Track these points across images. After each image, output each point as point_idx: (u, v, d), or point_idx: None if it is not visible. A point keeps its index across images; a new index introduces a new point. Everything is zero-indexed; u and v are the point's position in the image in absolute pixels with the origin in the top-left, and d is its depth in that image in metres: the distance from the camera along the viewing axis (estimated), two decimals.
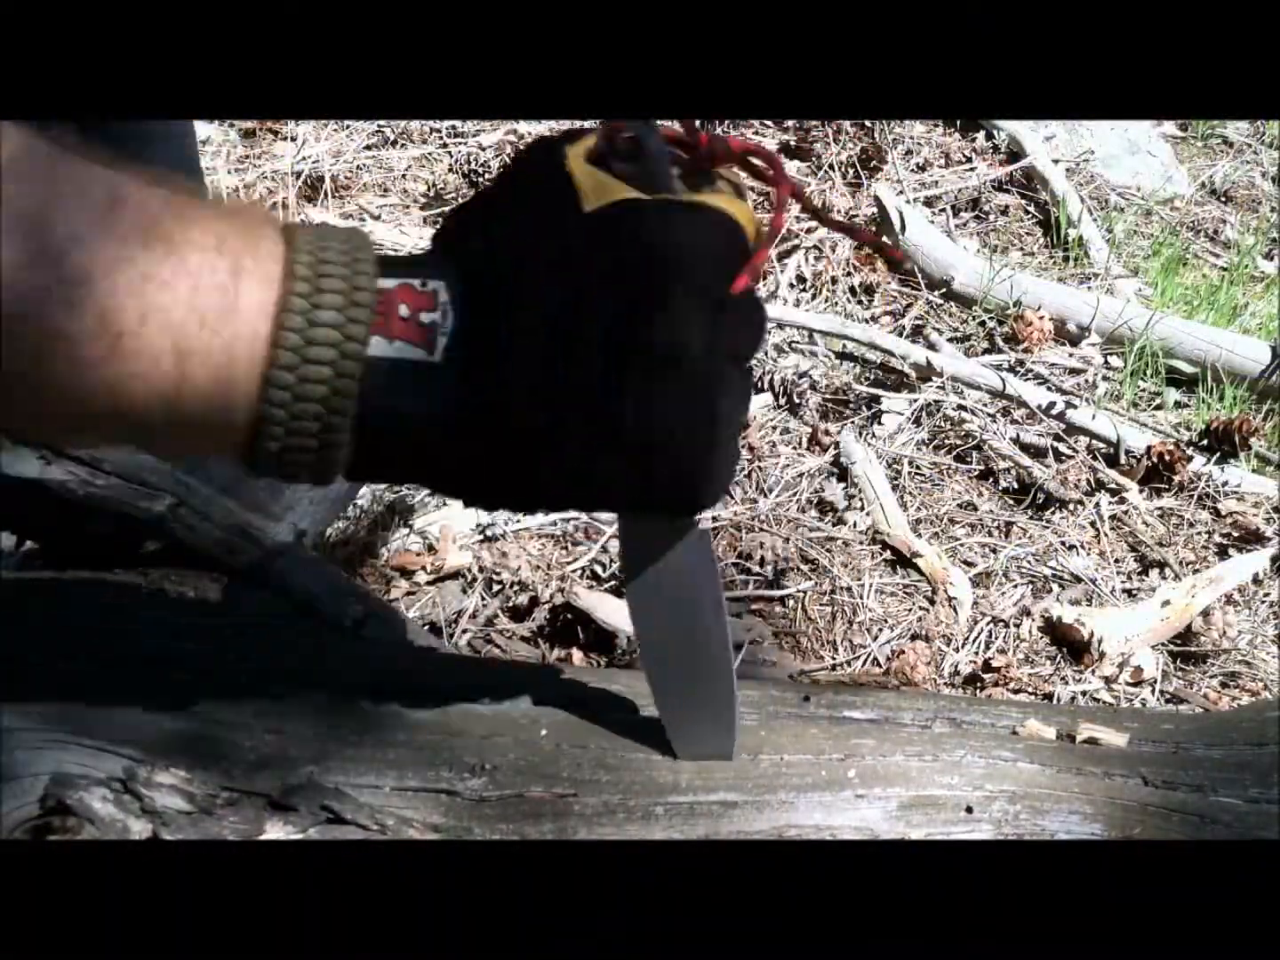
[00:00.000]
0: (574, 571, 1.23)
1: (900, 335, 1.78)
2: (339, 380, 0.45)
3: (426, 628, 1.07)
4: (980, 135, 2.36)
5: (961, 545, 1.38)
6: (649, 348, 0.47)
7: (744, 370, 0.52)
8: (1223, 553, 1.44)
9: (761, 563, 1.28)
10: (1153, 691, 1.21)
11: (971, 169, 2.27)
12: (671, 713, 0.60)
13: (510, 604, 1.19)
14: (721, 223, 0.49)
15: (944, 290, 1.89)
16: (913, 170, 2.23)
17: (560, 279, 0.47)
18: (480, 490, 0.52)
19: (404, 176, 2.02)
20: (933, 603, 1.28)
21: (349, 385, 0.45)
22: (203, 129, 2.00)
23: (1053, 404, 1.62)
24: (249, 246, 0.45)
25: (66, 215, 0.42)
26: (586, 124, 0.53)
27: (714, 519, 1.33)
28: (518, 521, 1.29)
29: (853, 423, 1.57)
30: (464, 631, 1.14)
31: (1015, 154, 2.30)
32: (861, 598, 1.26)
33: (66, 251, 0.42)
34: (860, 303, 1.88)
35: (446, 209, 1.92)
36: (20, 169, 0.41)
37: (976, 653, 1.23)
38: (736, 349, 0.51)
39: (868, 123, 2.26)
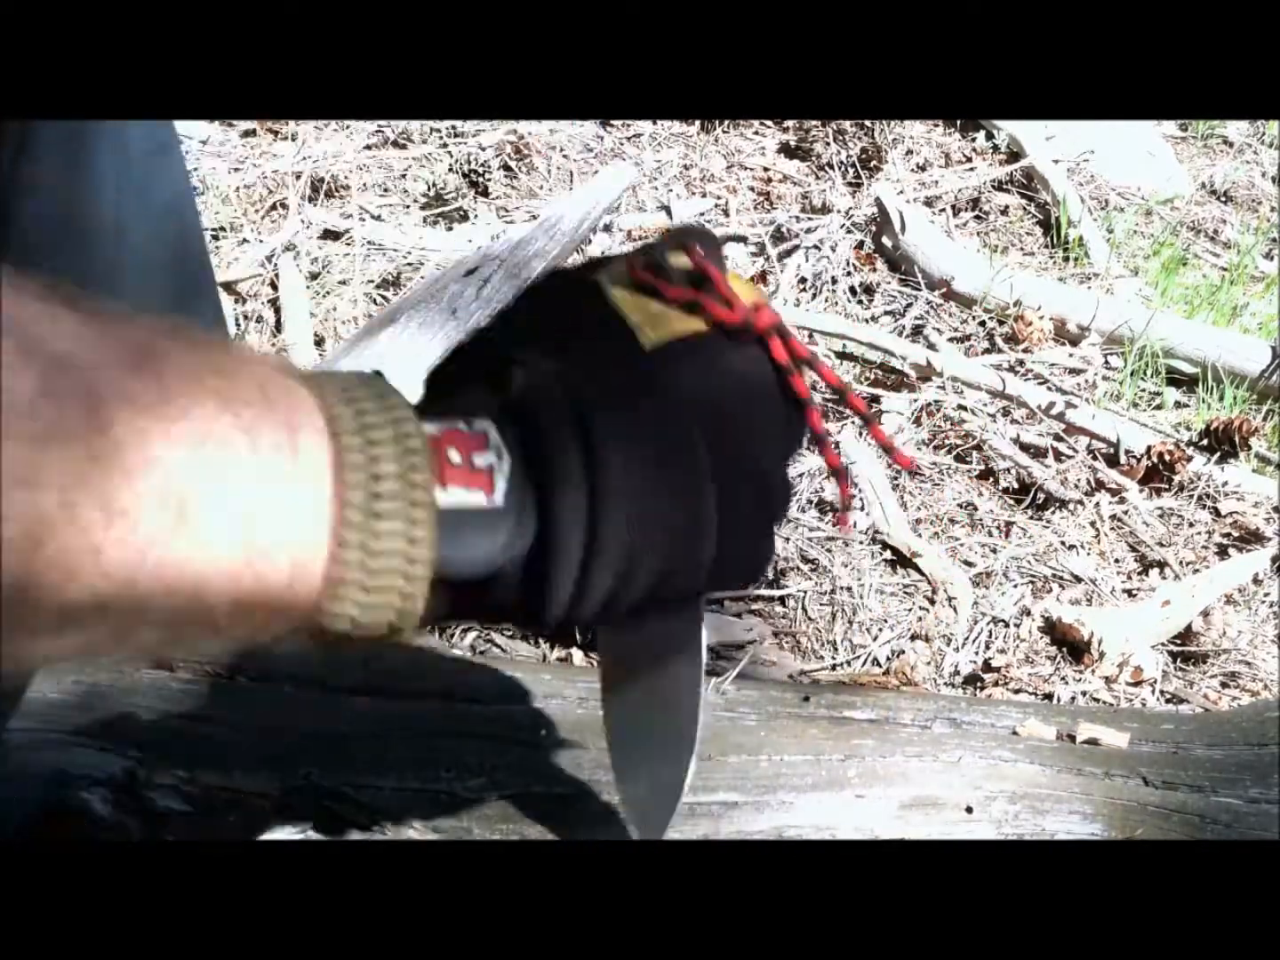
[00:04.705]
0: None
1: (900, 335, 1.78)
2: (414, 548, 0.41)
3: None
4: (980, 135, 2.36)
5: (961, 545, 1.38)
6: (741, 473, 0.50)
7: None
8: (1223, 553, 1.44)
9: None
10: (1153, 691, 1.21)
11: (971, 169, 2.27)
12: (623, 775, 0.56)
13: None
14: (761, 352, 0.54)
15: (944, 290, 1.89)
16: (913, 170, 2.23)
17: (637, 412, 0.48)
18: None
19: (404, 176, 2.02)
20: (933, 603, 1.28)
21: (424, 547, 0.41)
22: (203, 129, 2.00)
23: (1053, 404, 1.62)
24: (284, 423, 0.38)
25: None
26: (609, 251, 0.53)
27: None
28: None
29: (853, 422, 1.57)
30: (464, 631, 1.14)
31: (1015, 154, 2.30)
32: (861, 598, 1.26)
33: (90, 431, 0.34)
34: (860, 303, 1.88)
35: (447, 209, 1.93)
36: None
37: (976, 653, 1.23)
38: (792, 455, 0.57)
39: (868, 123, 2.26)
